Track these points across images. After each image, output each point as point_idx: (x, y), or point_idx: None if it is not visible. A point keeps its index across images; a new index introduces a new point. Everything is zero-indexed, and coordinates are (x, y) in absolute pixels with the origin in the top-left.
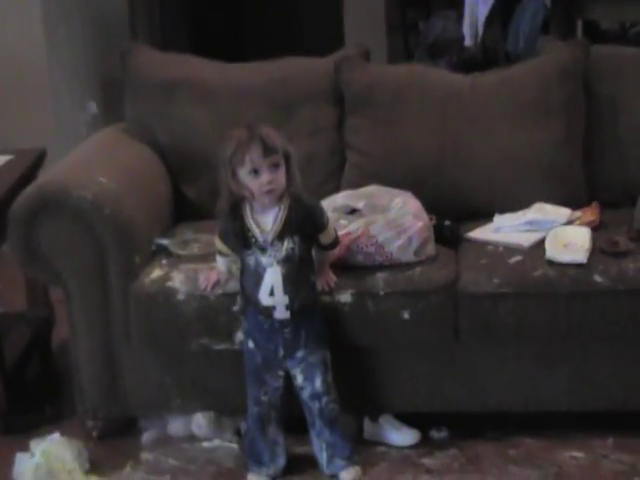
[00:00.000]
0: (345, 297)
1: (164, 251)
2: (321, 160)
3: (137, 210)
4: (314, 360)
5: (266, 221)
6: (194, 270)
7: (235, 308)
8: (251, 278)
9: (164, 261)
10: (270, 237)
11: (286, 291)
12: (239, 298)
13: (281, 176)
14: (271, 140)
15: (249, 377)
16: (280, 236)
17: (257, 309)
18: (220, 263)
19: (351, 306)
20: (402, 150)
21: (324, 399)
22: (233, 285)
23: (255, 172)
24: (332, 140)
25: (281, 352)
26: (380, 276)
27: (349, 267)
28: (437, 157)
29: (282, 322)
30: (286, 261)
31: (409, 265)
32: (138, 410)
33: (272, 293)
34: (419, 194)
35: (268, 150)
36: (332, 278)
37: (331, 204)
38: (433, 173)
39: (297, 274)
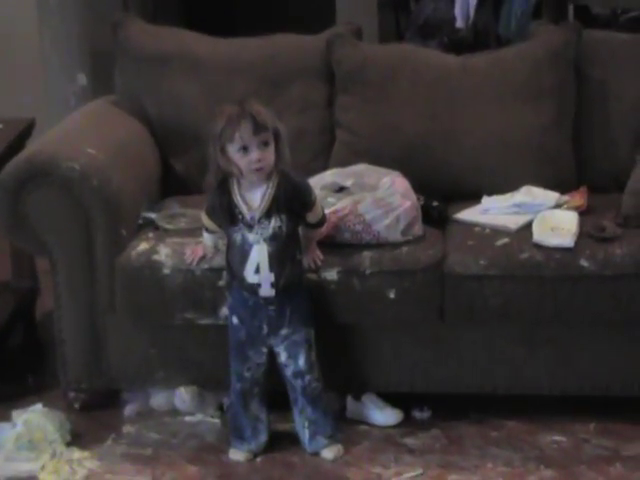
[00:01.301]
0: (331, 275)
1: (151, 224)
2: (310, 137)
3: (125, 182)
4: (298, 338)
5: (254, 198)
6: (180, 244)
7: (220, 283)
8: (237, 255)
9: (151, 234)
10: (257, 214)
11: (272, 269)
12: (225, 273)
13: (270, 154)
14: (262, 117)
15: (233, 352)
16: (267, 214)
17: (242, 286)
18: (207, 239)
19: (337, 284)
20: (392, 129)
21: (307, 377)
22: (219, 260)
23: (244, 149)
24: (322, 118)
25: (265, 329)
26: (367, 255)
27: (336, 245)
28: (427, 137)
29: (267, 299)
30: (273, 239)
31: (396, 244)
32: (121, 383)
33: (258, 270)
34: (408, 174)
35: (258, 128)
36: (319, 256)
37: (319, 182)
38: (422, 153)
39: (283, 252)
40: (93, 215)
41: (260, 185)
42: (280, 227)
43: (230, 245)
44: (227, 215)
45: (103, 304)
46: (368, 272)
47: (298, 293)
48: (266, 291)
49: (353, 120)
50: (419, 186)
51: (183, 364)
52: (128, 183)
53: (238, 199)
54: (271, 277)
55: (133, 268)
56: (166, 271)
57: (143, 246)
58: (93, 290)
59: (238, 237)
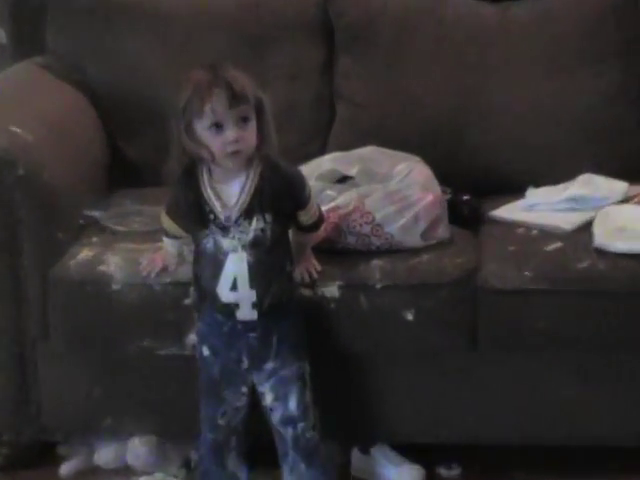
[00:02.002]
0: (331, 291)
1: (96, 226)
2: (303, 113)
3: (61, 171)
4: (288, 374)
5: (230, 192)
6: (134, 251)
7: (187, 302)
8: (208, 266)
9: (95, 239)
10: (234, 213)
11: (253, 284)
12: (192, 290)
13: (250, 133)
14: (240, 85)
15: (203, 393)
16: (247, 212)
17: (215, 306)
18: (168, 244)
19: (339, 303)
20: (408, 102)
21: (300, 425)
22: (185, 272)
23: (217, 126)
24: (317, 87)
25: (245, 363)
26: (377, 264)
27: (337, 252)
28: (454, 112)
29: (247, 324)
30: (254, 245)
31: (415, 251)
32: (57, 433)
33: (235, 287)
34: (429, 159)
35: (235, 99)
36: (315, 266)
37: (315, 170)
38: (448, 132)
39: (268, 262)
40: (19, 214)
41: (238, 175)
42: (264, 230)
43: (199, 254)
44: (194, 214)
45: (33, 329)
46: (379, 287)
47: (288, 316)
48: (246, 313)
49: (358, 90)
50: (444, 175)
51: (137, 408)
52: (65, 171)
53: (209, 193)
54: (252, 295)
55: (72, 283)
56: (116, 286)
57: (85, 254)
58: (20, 311)
59: (209, 243)
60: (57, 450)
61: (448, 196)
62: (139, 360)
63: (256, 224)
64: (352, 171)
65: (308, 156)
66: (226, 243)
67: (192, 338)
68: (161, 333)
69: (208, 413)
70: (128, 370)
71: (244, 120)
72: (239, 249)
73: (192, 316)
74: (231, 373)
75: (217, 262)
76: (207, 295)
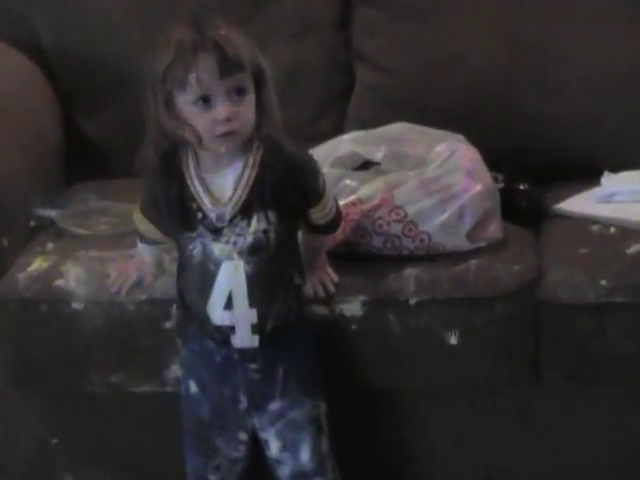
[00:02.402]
0: (352, 308)
1: (51, 228)
2: (313, 80)
3: (4, 159)
4: (299, 417)
5: (222, 184)
6: (100, 260)
7: (168, 325)
8: (195, 279)
9: (51, 245)
10: (228, 211)
11: (253, 301)
12: (175, 309)
13: (247, 109)
14: (234, 48)
15: (189, 441)
16: (245, 210)
17: (204, 330)
18: (143, 251)
19: (362, 323)
20: (447, 64)
21: None
22: (165, 285)
23: (205, 101)
24: (332, 46)
25: (243, 402)
26: (410, 273)
27: (359, 257)
28: (506, 76)
29: (245, 353)
30: (254, 251)
31: (459, 256)
32: None
33: (230, 304)
34: (476, 138)
35: (228, 65)
36: (331, 276)
37: (330, 153)
38: (499, 103)
39: (271, 273)
40: None
41: (232, 162)
42: (266, 232)
43: (183, 263)
44: (177, 213)
45: None
46: (413, 302)
47: (297, 342)
48: (244, 339)
49: (383, 49)
50: (495, 158)
51: (105, 461)
52: (11, 160)
53: (195, 186)
54: (252, 315)
55: (22, 301)
56: (77, 306)
57: (38, 264)
58: None
59: (196, 250)
60: None
61: (501, 185)
62: (107, 400)
63: (256, 225)
64: (378, 155)
65: (321, 136)
66: (218, 249)
67: (175, 370)
68: (135, 365)
69: (196, 467)
70: (94, 413)
71: (239, 93)
72: (235, 256)
73: (175, 343)
74: (225, 415)
75: (207, 273)
76: (194, 316)
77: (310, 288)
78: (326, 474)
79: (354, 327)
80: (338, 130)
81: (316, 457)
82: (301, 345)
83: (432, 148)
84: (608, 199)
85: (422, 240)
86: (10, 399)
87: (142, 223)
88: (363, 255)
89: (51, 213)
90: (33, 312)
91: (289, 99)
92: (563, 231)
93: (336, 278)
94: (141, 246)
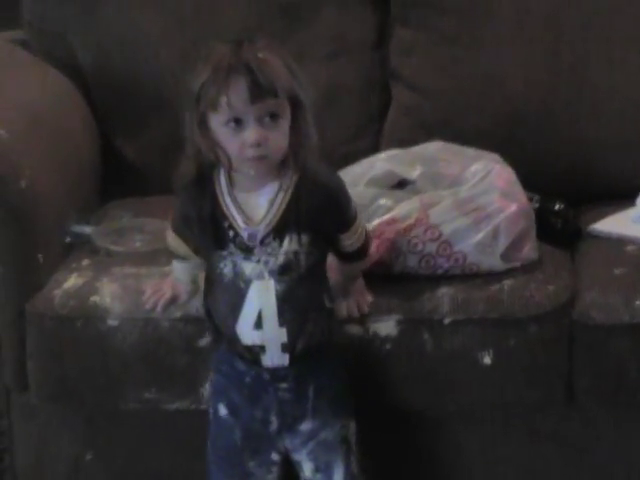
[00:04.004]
0: (387, 327)
1: (86, 245)
2: (349, 100)
3: (42, 177)
4: (329, 437)
5: (256, 203)
6: (135, 277)
7: (202, 342)
8: (225, 298)
9: (86, 262)
10: (261, 231)
11: (283, 321)
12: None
13: (279, 134)
14: (267, 73)
15: (218, 466)
16: (278, 231)
17: (234, 350)
18: (178, 270)
19: (396, 342)
20: (484, 84)
21: None
22: (199, 303)
23: (237, 123)
24: (368, 66)
25: (274, 423)
26: (445, 293)
27: (394, 277)
28: (543, 97)
29: (276, 373)
30: (284, 272)
31: (494, 276)
32: None
33: (259, 324)
34: (511, 158)
35: (258, 90)
36: (366, 297)
37: (366, 172)
38: (535, 124)
39: (302, 293)
40: None
41: (267, 182)
42: (297, 254)
43: (213, 282)
44: (209, 231)
45: (7, 377)
46: (447, 322)
47: (328, 362)
48: (274, 358)
49: (419, 69)
50: (530, 178)
51: (139, 477)
52: (47, 177)
53: (228, 204)
54: (282, 335)
55: (57, 318)
56: (112, 322)
57: (73, 281)
58: None
59: (227, 268)
60: None
61: (536, 205)
62: (142, 417)
63: (288, 246)
64: (413, 173)
65: (356, 155)
66: (249, 268)
67: (209, 389)
68: (170, 382)
69: None
70: (128, 430)
71: (272, 117)
72: (265, 276)
73: (209, 360)
74: (257, 437)
75: (237, 292)
76: (224, 336)
77: (344, 309)
78: None
79: (388, 347)
80: (374, 149)
81: (349, 478)
82: (331, 365)
83: (467, 167)
84: None
85: (457, 260)
86: (45, 415)
87: (174, 241)
88: (398, 274)
89: (87, 230)
90: (68, 328)
91: (325, 119)
92: (598, 252)
93: (370, 298)
94: (175, 264)
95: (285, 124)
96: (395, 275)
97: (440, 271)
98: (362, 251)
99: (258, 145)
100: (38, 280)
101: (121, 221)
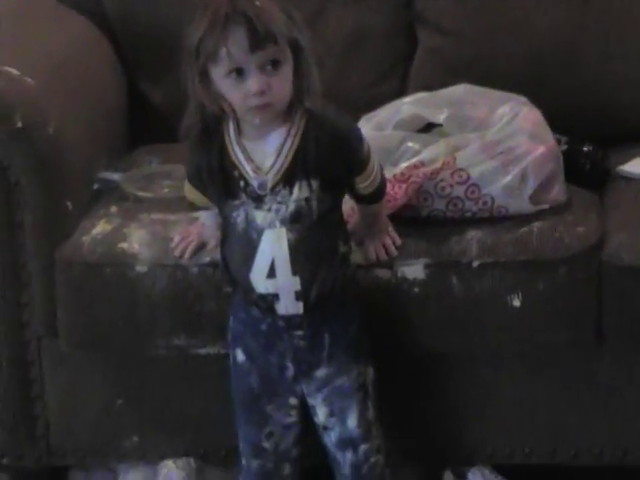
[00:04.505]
0: (414, 271)
1: (114, 192)
2: (375, 43)
3: (70, 123)
4: (345, 383)
5: (264, 152)
6: (164, 224)
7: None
8: (238, 247)
9: (114, 208)
10: (270, 179)
11: (296, 269)
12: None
13: (282, 81)
14: (264, 20)
15: (241, 410)
16: (287, 178)
17: (249, 298)
18: (205, 216)
19: (424, 286)
20: (510, 26)
21: (362, 447)
22: None
23: (238, 73)
24: (393, 9)
25: (290, 369)
26: (473, 236)
27: (422, 221)
28: (569, 37)
29: (291, 320)
30: (296, 219)
31: (522, 218)
32: (68, 455)
33: (273, 273)
34: (539, 100)
35: (257, 38)
36: (393, 239)
37: (393, 116)
38: (563, 65)
39: (314, 241)
40: (17, 177)
41: (274, 130)
42: (308, 200)
43: (227, 232)
44: (220, 181)
45: (37, 324)
46: (476, 265)
47: (343, 309)
48: (289, 306)
49: (445, 12)
50: (558, 120)
51: (170, 423)
52: (75, 124)
53: (237, 153)
54: (295, 283)
55: (85, 265)
56: (141, 269)
57: (102, 228)
58: (19, 302)
59: (239, 217)
60: (70, 477)
61: (564, 147)
62: (171, 362)
63: (298, 193)
64: (440, 117)
65: (383, 98)
66: (260, 217)
67: None
68: (199, 328)
69: (250, 435)
70: (157, 375)
71: (274, 64)
72: (277, 224)
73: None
74: (274, 382)
75: (250, 242)
76: (238, 284)
77: (372, 251)
78: (372, 440)
79: (416, 290)
80: (400, 93)
81: (363, 424)
82: (347, 312)
83: (494, 110)
84: None
85: (485, 203)
86: (75, 362)
87: (191, 192)
88: (425, 218)
89: (115, 176)
90: (97, 275)
91: (351, 63)
92: (627, 193)
93: (399, 241)
94: (201, 212)
95: (288, 70)
96: (423, 219)
97: (468, 214)
98: (378, 192)
99: (262, 93)
100: (67, 227)
101: (149, 167)
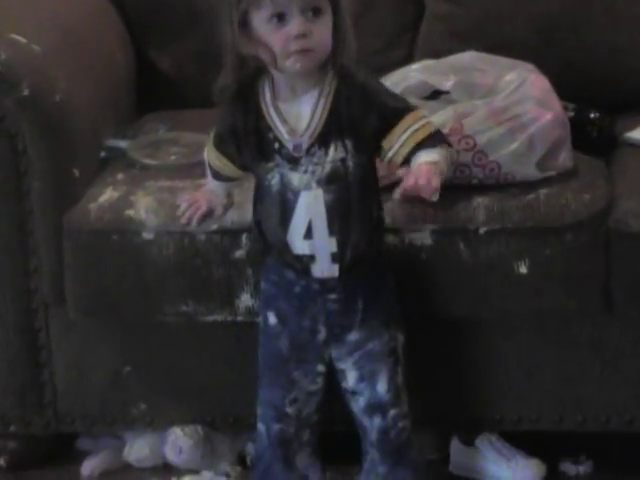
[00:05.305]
0: (422, 237)
1: (121, 159)
2: (383, 10)
3: (77, 90)
4: (377, 348)
5: (299, 113)
6: (171, 190)
7: (238, 254)
8: (274, 210)
9: (121, 175)
10: (305, 141)
11: (333, 230)
12: (249, 240)
13: (324, 29)
14: None
15: (266, 373)
16: (323, 139)
17: (284, 261)
18: (214, 183)
19: (431, 252)
20: None
21: (391, 412)
22: (235, 217)
23: (279, 19)
24: None
25: (322, 333)
26: (480, 203)
27: None
28: (576, 3)
29: (325, 283)
30: (332, 180)
31: (529, 185)
32: (76, 423)
33: (309, 234)
34: (547, 67)
35: None
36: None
37: (400, 83)
38: (570, 31)
39: (351, 202)
40: (25, 144)
41: (308, 91)
42: (344, 160)
43: (261, 194)
44: (254, 143)
45: (44, 292)
46: (483, 231)
47: (377, 273)
48: (324, 268)
49: None
50: (566, 87)
51: (178, 390)
52: (82, 91)
53: (272, 115)
54: (332, 244)
55: (93, 232)
56: (147, 236)
57: (109, 195)
58: (26, 269)
59: (274, 179)
60: (77, 444)
61: (571, 114)
62: (179, 329)
63: (334, 153)
64: (447, 84)
65: (390, 65)
66: (296, 179)
67: (245, 299)
68: (206, 294)
69: (273, 399)
70: (165, 342)
71: (315, 12)
72: (313, 186)
73: (245, 272)
74: (304, 347)
75: (286, 203)
76: (273, 246)
77: (398, 189)
78: (401, 405)
79: (424, 256)
80: (408, 60)
81: (392, 388)
82: (381, 276)
83: (502, 77)
84: None
85: (492, 169)
86: (83, 329)
87: (215, 157)
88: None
89: (122, 144)
90: (105, 242)
91: (358, 30)
92: (634, 160)
93: (438, 185)
94: (212, 181)
95: (328, 21)
96: None
97: (475, 181)
98: (433, 137)
99: (303, 36)
100: (74, 194)
101: (156, 134)
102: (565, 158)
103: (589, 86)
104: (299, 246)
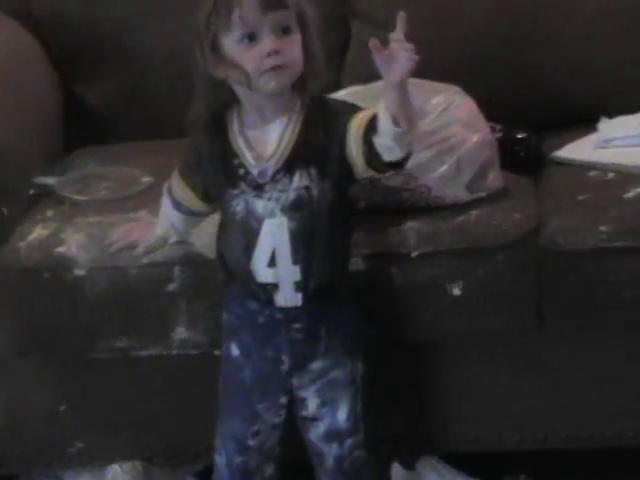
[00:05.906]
0: (354, 263)
1: (50, 196)
2: None
3: (4, 129)
4: (340, 376)
5: (265, 140)
6: (101, 226)
7: (171, 287)
8: (238, 236)
9: (50, 212)
10: (271, 167)
11: (297, 259)
12: (181, 271)
13: (294, 46)
14: None
15: (228, 405)
16: (288, 166)
17: (247, 290)
18: (176, 217)
19: (364, 277)
20: (443, 17)
21: (348, 441)
22: (165, 251)
23: (250, 39)
24: (326, 2)
25: (286, 363)
26: (411, 226)
27: (359, 212)
28: (503, 26)
29: (289, 312)
30: (296, 208)
31: (459, 207)
32: (12, 464)
33: (273, 262)
34: (473, 88)
35: (269, 2)
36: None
37: None
38: (495, 53)
39: (315, 231)
40: None
41: (276, 118)
42: (308, 188)
43: (225, 223)
44: (220, 170)
45: None
46: (415, 255)
47: (341, 301)
48: (287, 297)
49: (378, 4)
50: (493, 108)
51: (116, 426)
52: (8, 128)
53: (238, 142)
54: (295, 273)
55: (23, 270)
56: (79, 272)
57: (38, 233)
58: None
59: (239, 206)
60: None
61: (499, 134)
62: (114, 365)
63: (298, 181)
64: (375, 109)
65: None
66: (261, 206)
67: (180, 332)
68: (140, 329)
69: (235, 431)
70: (100, 378)
71: (285, 31)
72: (277, 213)
73: (179, 305)
74: (267, 379)
75: (250, 231)
76: (237, 276)
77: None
78: (358, 434)
79: (356, 280)
80: (335, 86)
81: (352, 417)
82: (344, 304)
83: (428, 100)
84: (605, 145)
85: (422, 192)
86: (17, 368)
87: (180, 190)
88: (363, 209)
89: (50, 180)
90: (36, 280)
91: None
92: (562, 178)
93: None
94: (174, 212)
95: (298, 39)
96: (360, 210)
97: (406, 205)
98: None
99: (276, 52)
100: (3, 233)
101: (86, 170)
102: (494, 179)
103: (516, 106)
104: (263, 274)
